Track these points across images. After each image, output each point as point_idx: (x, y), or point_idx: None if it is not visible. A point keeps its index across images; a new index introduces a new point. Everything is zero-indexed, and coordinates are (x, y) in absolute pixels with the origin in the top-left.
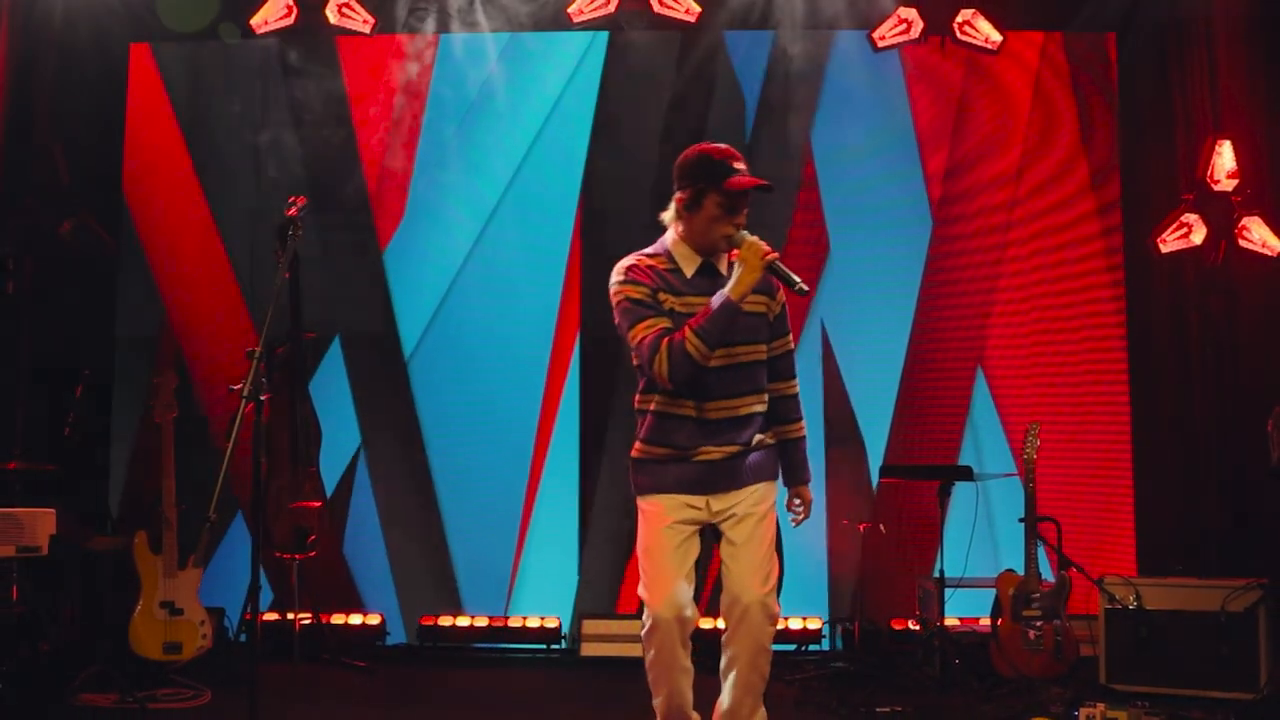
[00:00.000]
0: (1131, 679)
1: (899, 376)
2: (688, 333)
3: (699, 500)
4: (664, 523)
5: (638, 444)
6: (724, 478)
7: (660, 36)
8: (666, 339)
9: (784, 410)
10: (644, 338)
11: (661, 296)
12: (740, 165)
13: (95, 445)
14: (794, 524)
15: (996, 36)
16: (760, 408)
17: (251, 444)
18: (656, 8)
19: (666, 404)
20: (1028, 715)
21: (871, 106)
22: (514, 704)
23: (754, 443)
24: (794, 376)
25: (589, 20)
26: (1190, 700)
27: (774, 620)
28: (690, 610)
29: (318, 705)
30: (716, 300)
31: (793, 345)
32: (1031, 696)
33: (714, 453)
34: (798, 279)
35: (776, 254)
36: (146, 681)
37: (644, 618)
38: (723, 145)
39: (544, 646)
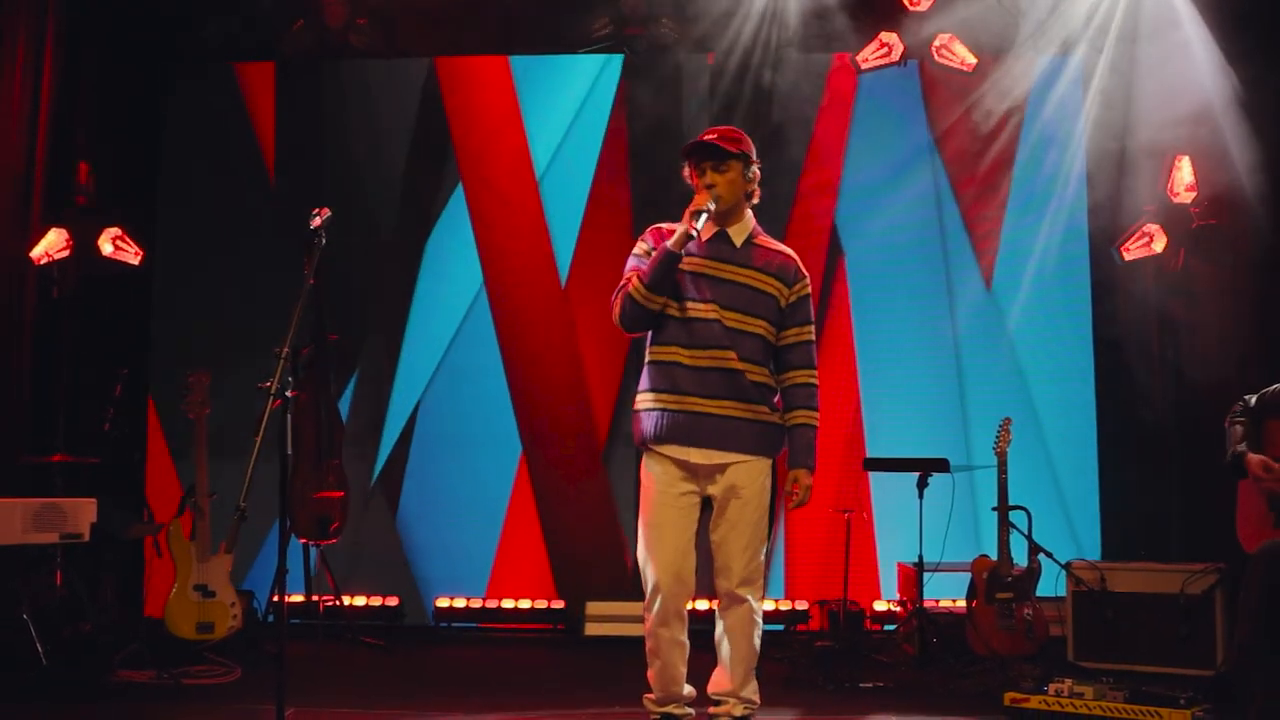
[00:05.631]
0: (1097, 657)
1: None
2: (633, 278)
3: (685, 453)
4: (666, 497)
5: (637, 395)
6: (712, 434)
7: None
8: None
9: (793, 397)
10: (619, 286)
11: None
12: (709, 137)
13: (133, 440)
14: (788, 506)
15: (971, 59)
16: (752, 376)
17: (278, 438)
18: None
19: (657, 352)
20: (1001, 690)
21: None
22: (521, 680)
23: (747, 409)
24: (809, 367)
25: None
26: (1152, 676)
27: (762, 596)
28: (689, 579)
29: (339, 682)
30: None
31: (811, 337)
32: (1004, 673)
33: (703, 404)
34: (691, 227)
35: (706, 207)
36: (181, 659)
37: (645, 586)
38: (718, 126)
39: (551, 627)
